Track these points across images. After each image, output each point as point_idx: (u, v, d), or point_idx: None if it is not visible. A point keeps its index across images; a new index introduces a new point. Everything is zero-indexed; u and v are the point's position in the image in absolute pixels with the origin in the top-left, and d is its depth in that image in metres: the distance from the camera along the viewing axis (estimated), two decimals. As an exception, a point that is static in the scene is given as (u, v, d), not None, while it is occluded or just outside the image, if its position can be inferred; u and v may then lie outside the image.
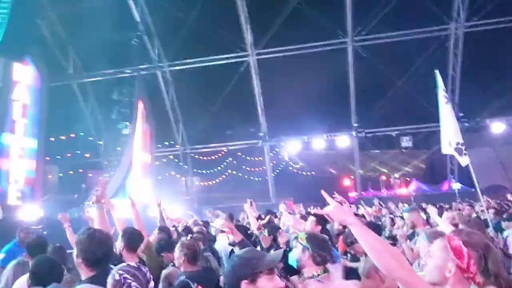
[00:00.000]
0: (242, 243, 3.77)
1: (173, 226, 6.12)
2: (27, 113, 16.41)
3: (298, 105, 18.47)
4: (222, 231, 6.22)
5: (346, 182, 28.47)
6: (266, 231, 4.29)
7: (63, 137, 19.82)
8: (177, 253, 3.63)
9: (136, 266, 2.07)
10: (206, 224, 7.17)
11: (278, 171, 24.59)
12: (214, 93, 19.85)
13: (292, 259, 2.78)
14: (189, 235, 5.08)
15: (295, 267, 2.73)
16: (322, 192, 1.99)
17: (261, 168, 23.17)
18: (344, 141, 19.85)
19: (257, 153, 22.54)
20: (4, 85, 15.46)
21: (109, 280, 1.98)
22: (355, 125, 19.37)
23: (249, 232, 5.20)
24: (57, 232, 4.92)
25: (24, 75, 16.41)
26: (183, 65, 19.76)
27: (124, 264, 2.16)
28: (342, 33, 18.22)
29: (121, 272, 1.97)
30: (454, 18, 17.33)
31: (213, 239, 6.39)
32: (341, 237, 4.65)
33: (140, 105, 19.18)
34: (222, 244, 5.66)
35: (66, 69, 20.11)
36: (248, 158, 25.37)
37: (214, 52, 19.14)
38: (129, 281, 1.93)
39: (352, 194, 21.22)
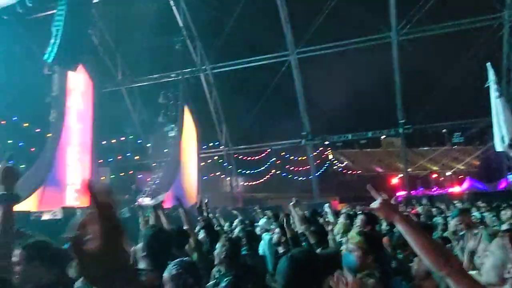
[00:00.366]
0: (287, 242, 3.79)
1: (218, 225, 6.23)
2: (82, 119, 17.38)
3: (341, 102, 18.17)
4: (267, 231, 6.28)
5: (394, 180, 27.62)
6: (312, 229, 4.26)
7: (114, 141, 20.75)
8: (218, 251, 3.68)
9: (191, 262, 2.15)
10: (252, 223, 7.24)
11: (322, 170, 24.32)
12: (256, 93, 20.01)
13: (348, 259, 2.73)
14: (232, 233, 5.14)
15: (351, 267, 2.68)
16: (368, 187, 1.93)
17: (305, 167, 23.04)
18: (390, 138, 19.28)
19: (301, 152, 22.44)
20: (60, 93, 16.48)
21: (165, 274, 2.07)
22: (402, 121, 18.75)
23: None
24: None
25: (78, 83, 17.41)
26: (225, 67, 20.08)
27: (180, 259, 2.25)
28: (386, 27, 17.73)
29: (177, 267, 2.06)
30: (507, 5, 16.30)
31: (258, 239, 6.43)
32: (386, 238, 4.55)
33: (185, 108, 19.74)
34: (266, 243, 5.69)
35: (115, 75, 21.08)
36: (291, 157, 25.30)
37: (255, 52, 19.29)
38: (185, 276, 2.01)
39: (401, 193, 20.56)
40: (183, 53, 19.94)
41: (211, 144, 22.65)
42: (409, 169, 21.12)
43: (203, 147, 22.33)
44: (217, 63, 20.16)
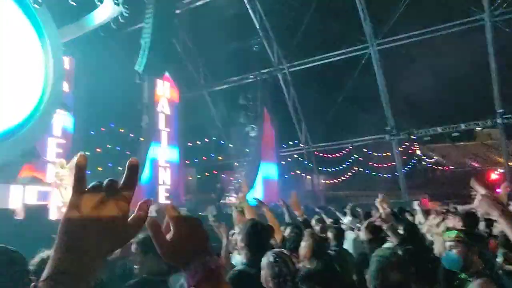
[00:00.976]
0: (375, 241, 3.65)
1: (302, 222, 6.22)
2: (169, 123, 18.58)
3: (428, 94, 17.01)
4: (352, 229, 6.12)
5: (493, 176, 25.15)
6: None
7: (198, 142, 21.81)
8: (302, 247, 3.67)
9: (288, 254, 2.22)
10: (336, 221, 7.11)
11: (409, 166, 23.02)
12: (335, 89, 19.61)
13: (450, 258, 2.52)
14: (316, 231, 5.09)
15: (455, 266, 2.47)
16: (472, 181, 1.76)
17: (390, 164, 21.99)
18: (486, 130, 17.57)
19: (385, 148, 21.48)
20: (150, 101, 17.80)
21: (264, 260, 2.16)
22: (500, 110, 16.98)
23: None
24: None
25: (165, 90, 18.63)
26: (302, 64, 19.99)
27: (280, 250, 2.34)
28: (477, 9, 16.21)
29: (275, 255, 2.14)
30: None
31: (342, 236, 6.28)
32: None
33: (264, 108, 20.07)
34: (351, 242, 5.55)
35: (198, 80, 22.16)
36: (375, 154, 24.34)
37: (332, 48, 18.92)
38: (281, 265, 2.07)
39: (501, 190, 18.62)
40: (260, 54, 20.30)
41: (290, 142, 22.71)
42: (510, 163, 19.07)
43: (283, 145, 22.48)
44: (294, 62, 20.15)
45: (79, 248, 0.72)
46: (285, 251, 2.32)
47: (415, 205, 6.26)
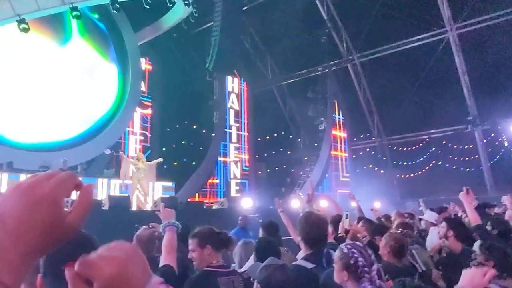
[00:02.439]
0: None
1: (377, 218, 5.98)
2: (239, 118, 18.98)
3: (515, 79, 15.42)
4: (433, 224, 5.73)
5: None
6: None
7: (268, 137, 21.98)
8: (383, 243, 3.51)
9: (362, 245, 2.13)
10: (412, 216, 6.72)
11: (496, 159, 21.11)
12: (409, 78, 18.53)
13: None
14: (400, 229, 4.83)
15: None
16: None
17: (473, 157, 20.33)
18: None
19: (467, 139, 19.88)
20: (220, 96, 18.30)
21: (337, 253, 2.10)
22: None
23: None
24: (269, 218, 5.51)
25: (234, 86, 19.04)
26: (373, 54, 19.20)
27: (351, 242, 2.27)
28: None
29: (349, 246, 2.07)
30: None
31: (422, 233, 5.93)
32: None
33: (334, 101, 19.64)
34: (433, 238, 5.20)
35: (266, 75, 22.30)
36: (455, 146, 22.65)
37: (405, 35, 17.89)
38: (356, 255, 2.00)
39: None
40: (329, 45, 19.84)
41: (362, 135, 21.96)
42: None
43: (354, 139, 21.81)
44: (364, 51, 19.41)
45: None
46: (358, 243, 2.22)
47: (505, 199, 5.67)
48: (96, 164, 14.63)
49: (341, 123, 21.07)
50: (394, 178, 21.20)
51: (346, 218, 3.86)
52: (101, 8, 14.51)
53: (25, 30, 10.78)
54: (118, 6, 12.00)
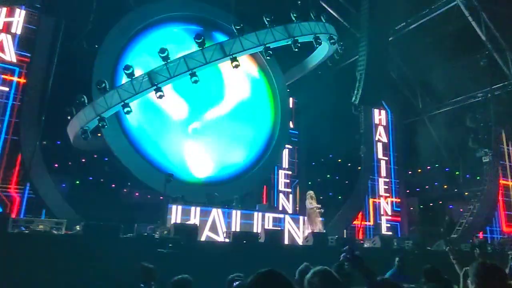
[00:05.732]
0: None
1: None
2: (387, 151, 18.26)
3: None
4: None
5: None
6: None
7: (419, 170, 20.50)
8: None
9: None
10: None
11: None
12: None
13: None
14: None
15: None
16: None
17: None
18: None
19: None
20: (366, 129, 17.98)
21: None
22: None
23: None
24: (426, 260, 5.06)
25: (382, 118, 18.52)
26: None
27: None
28: None
29: None
30: None
31: None
32: None
33: (499, 128, 17.35)
34: None
35: (416, 105, 21.06)
36: None
37: None
38: None
39: None
40: (490, 68, 17.78)
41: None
42: None
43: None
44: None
45: None
46: None
47: None
48: (249, 198, 15.73)
49: (510, 154, 18.40)
50: None
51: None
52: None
53: (196, 82, 12.58)
54: (270, 52, 13.09)
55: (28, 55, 12.76)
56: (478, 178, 18.38)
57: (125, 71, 11.79)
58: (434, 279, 3.92)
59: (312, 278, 2.09)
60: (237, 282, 3.24)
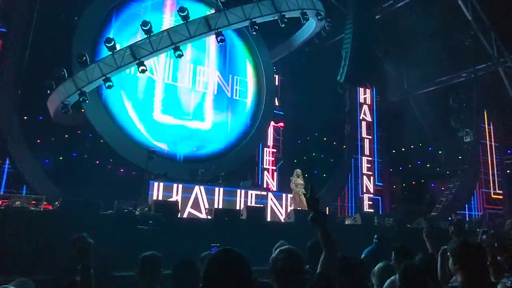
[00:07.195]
0: None
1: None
2: (372, 130, 18.38)
3: None
4: None
5: None
6: None
7: (403, 149, 20.72)
8: None
9: None
10: None
11: None
12: None
13: None
14: None
15: None
16: None
17: None
18: None
19: None
20: (352, 109, 18.01)
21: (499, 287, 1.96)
22: None
23: None
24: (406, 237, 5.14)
25: (367, 97, 18.53)
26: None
27: None
28: None
29: None
30: None
31: None
32: None
33: (484, 110, 17.58)
34: None
35: (401, 85, 21.10)
36: None
37: None
38: None
39: None
40: (474, 48, 17.83)
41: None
42: None
43: (508, 151, 19.10)
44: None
45: None
46: None
47: None
48: (233, 176, 15.71)
49: (492, 134, 18.70)
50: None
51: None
52: (239, 30, 15.73)
53: (180, 56, 12.32)
54: (256, 27, 12.84)
55: (3, 26, 12.27)
56: (460, 157, 18.69)
57: (106, 44, 11.47)
58: (403, 258, 3.85)
59: (277, 256, 2.07)
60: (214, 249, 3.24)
